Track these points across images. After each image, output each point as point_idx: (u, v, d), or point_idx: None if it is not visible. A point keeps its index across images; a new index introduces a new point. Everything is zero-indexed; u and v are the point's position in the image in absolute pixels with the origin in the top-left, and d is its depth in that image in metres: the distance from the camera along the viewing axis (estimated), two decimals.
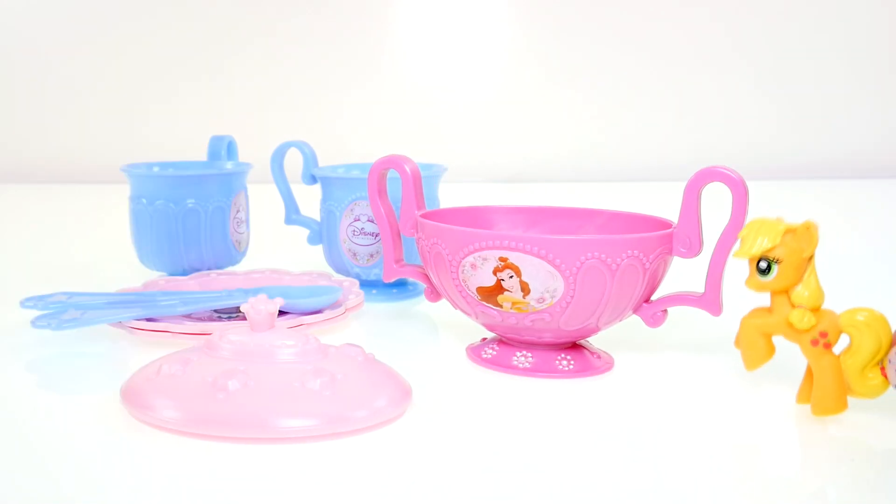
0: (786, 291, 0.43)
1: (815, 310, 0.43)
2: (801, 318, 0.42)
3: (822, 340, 0.43)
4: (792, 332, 0.43)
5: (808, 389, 0.45)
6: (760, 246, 0.42)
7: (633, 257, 0.49)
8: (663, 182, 1.53)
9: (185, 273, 0.73)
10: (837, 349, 0.43)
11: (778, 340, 0.44)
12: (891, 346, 0.43)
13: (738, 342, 0.45)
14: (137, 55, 1.76)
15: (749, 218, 0.49)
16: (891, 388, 0.43)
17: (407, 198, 0.56)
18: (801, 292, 0.43)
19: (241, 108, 1.75)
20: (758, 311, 0.45)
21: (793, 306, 0.43)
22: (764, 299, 0.44)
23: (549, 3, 1.81)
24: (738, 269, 0.69)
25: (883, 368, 0.43)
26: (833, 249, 0.91)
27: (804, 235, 0.42)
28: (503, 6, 1.84)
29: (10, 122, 1.76)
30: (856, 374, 0.43)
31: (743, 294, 0.67)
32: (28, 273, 0.81)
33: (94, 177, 1.63)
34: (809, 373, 0.45)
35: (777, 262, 0.42)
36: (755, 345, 0.44)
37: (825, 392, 0.43)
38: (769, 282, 0.42)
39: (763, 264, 0.42)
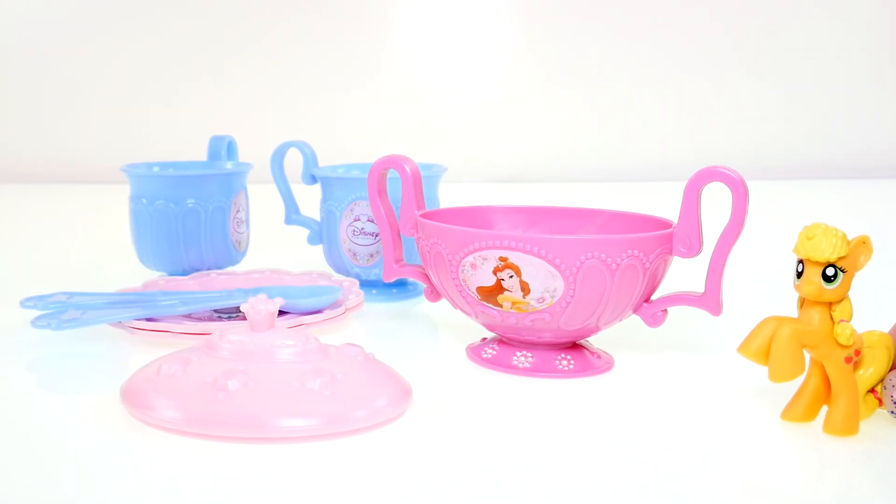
0: (831, 304, 0.41)
1: None
2: (851, 334, 0.41)
3: (855, 359, 0.42)
4: (828, 346, 0.41)
5: (802, 408, 0.44)
6: (837, 251, 0.40)
7: (633, 257, 0.49)
8: (663, 182, 1.53)
9: (185, 273, 0.73)
10: None
11: None
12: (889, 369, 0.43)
13: (751, 351, 0.41)
14: (137, 55, 1.76)
15: (748, 218, 0.49)
16: (879, 410, 0.43)
17: (407, 198, 0.56)
18: (845, 307, 0.41)
19: (241, 108, 1.75)
20: (784, 321, 0.42)
21: (833, 320, 0.41)
22: (743, 306, 0.44)
23: (549, 3, 1.81)
24: (737, 269, 0.69)
25: (874, 391, 0.43)
26: None
27: (862, 249, 0.41)
28: (503, 6, 1.84)
29: (10, 122, 1.76)
30: (862, 394, 0.43)
31: (742, 294, 0.67)
32: (28, 273, 0.81)
33: (94, 177, 1.63)
34: (805, 390, 0.44)
35: (844, 271, 0.40)
36: (794, 356, 0.41)
37: (848, 412, 0.42)
38: (831, 290, 0.40)
39: (831, 271, 0.40)
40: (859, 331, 0.43)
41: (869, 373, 0.43)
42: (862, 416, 0.43)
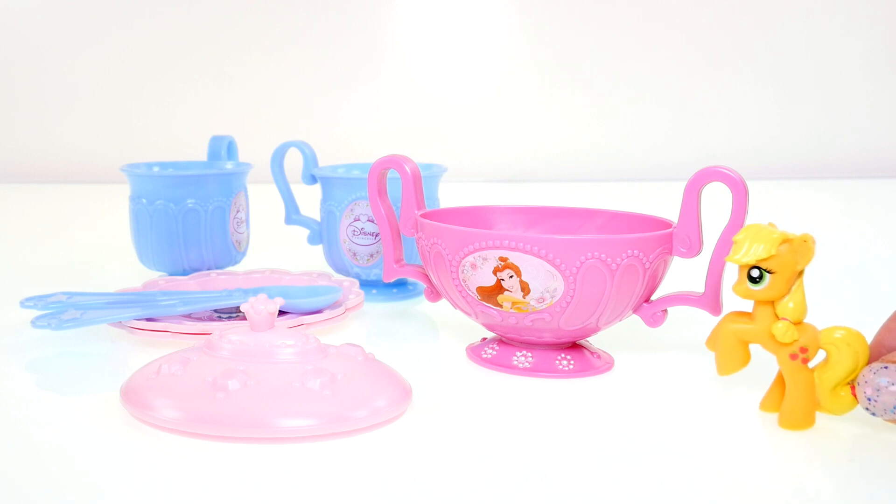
0: (772, 302, 0.42)
1: (798, 323, 0.42)
2: (785, 332, 0.41)
3: (801, 355, 0.42)
4: (772, 343, 0.42)
5: (775, 398, 0.45)
6: (754, 254, 0.41)
7: (633, 257, 0.49)
8: (663, 182, 1.53)
9: (185, 273, 0.73)
10: (813, 363, 0.43)
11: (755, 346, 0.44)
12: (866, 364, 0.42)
13: (711, 345, 0.45)
14: (137, 55, 1.76)
15: (749, 218, 0.49)
16: (859, 406, 0.43)
17: (407, 198, 0.56)
18: (786, 304, 0.42)
19: (241, 108, 1.75)
20: (736, 317, 0.44)
21: (776, 318, 0.42)
22: (743, 304, 0.44)
23: (549, 4, 1.81)
24: (738, 269, 0.69)
25: (853, 387, 0.43)
26: (832, 249, 0.91)
27: (801, 248, 0.41)
28: (503, 6, 1.84)
29: (10, 122, 1.76)
30: (827, 390, 0.42)
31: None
32: (28, 273, 0.81)
33: (94, 177, 1.63)
34: (778, 382, 0.45)
35: (770, 272, 0.41)
36: (732, 351, 0.43)
37: (796, 407, 0.43)
38: (758, 291, 0.42)
39: (755, 273, 0.41)
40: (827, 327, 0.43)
41: (831, 371, 0.42)
42: (839, 410, 0.43)
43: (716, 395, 0.50)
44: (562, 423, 0.45)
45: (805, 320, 0.43)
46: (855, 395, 0.43)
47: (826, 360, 0.43)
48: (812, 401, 0.43)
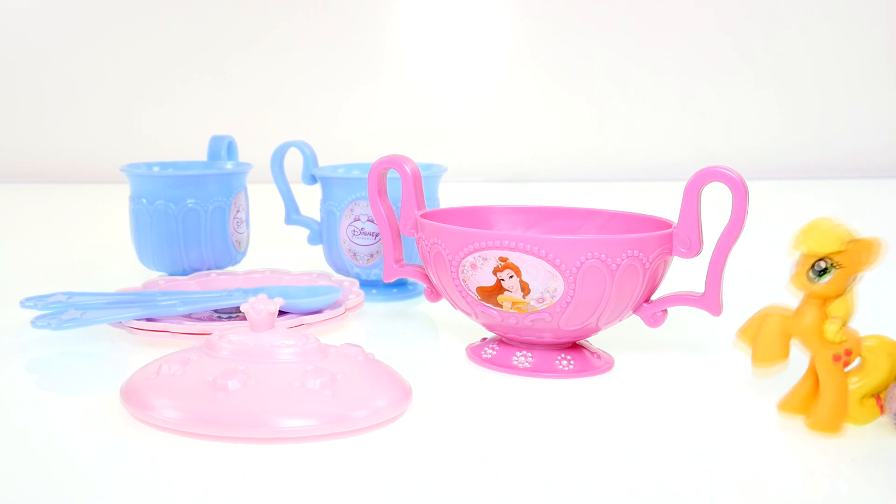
0: (826, 299, 0.41)
1: (844, 325, 0.42)
2: (837, 331, 0.41)
3: (844, 358, 0.41)
4: (816, 340, 0.41)
5: (798, 400, 0.44)
6: (828, 245, 0.40)
7: (633, 257, 0.49)
8: (663, 182, 1.53)
9: (185, 273, 0.73)
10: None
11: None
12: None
13: (748, 335, 0.43)
14: (137, 55, 1.76)
15: (748, 218, 0.49)
16: (882, 417, 0.43)
17: (407, 198, 0.56)
18: (840, 304, 0.41)
19: (241, 108, 1.75)
20: (780, 310, 0.43)
21: (826, 316, 0.41)
22: (746, 305, 0.44)
23: (549, 4, 1.81)
24: (738, 269, 0.69)
25: (879, 398, 0.42)
26: None
27: (871, 250, 0.40)
28: (503, 6, 1.84)
29: (10, 122, 1.76)
30: (858, 398, 0.42)
31: (742, 294, 0.67)
32: (28, 273, 0.81)
33: (94, 177, 1.63)
34: (804, 384, 0.44)
35: (837, 267, 0.40)
36: (774, 343, 0.42)
37: (832, 410, 0.42)
38: (820, 285, 0.40)
39: (822, 265, 0.40)
40: (863, 334, 0.43)
41: (867, 378, 0.42)
42: (862, 420, 0.43)
43: (716, 396, 0.50)
44: (562, 423, 0.45)
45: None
46: (881, 408, 0.42)
47: (861, 367, 0.42)
48: (845, 406, 0.42)
